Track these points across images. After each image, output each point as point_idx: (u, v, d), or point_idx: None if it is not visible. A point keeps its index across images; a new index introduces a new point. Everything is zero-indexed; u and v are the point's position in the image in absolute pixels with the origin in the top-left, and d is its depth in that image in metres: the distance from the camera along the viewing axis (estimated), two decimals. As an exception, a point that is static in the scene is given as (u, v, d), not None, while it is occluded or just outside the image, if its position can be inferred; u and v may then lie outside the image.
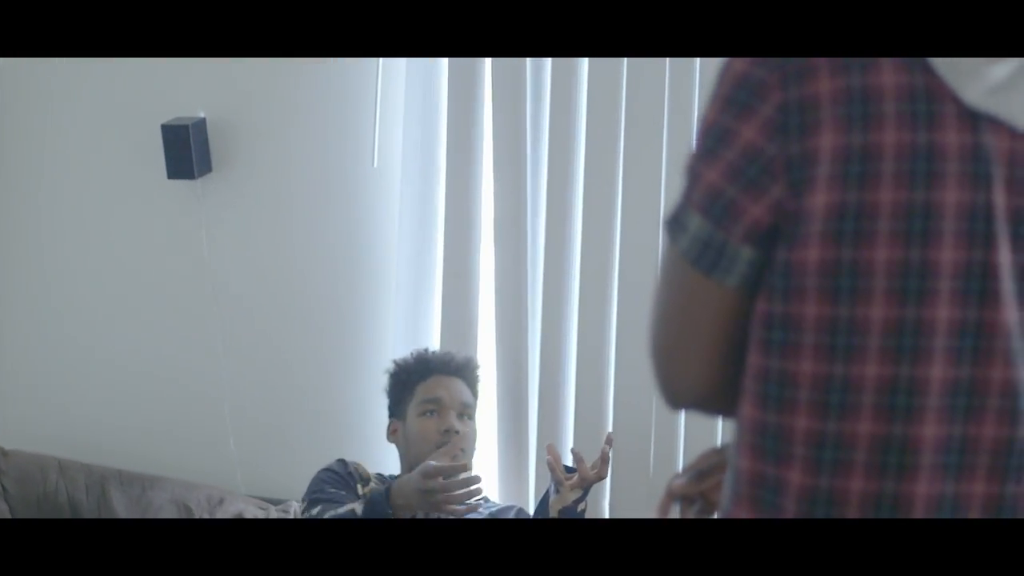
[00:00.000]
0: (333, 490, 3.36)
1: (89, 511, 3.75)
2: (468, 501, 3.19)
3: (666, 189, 3.61)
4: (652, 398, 3.66)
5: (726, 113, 1.57)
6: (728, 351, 1.62)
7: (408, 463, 3.53)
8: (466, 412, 3.52)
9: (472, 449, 3.52)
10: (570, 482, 3.31)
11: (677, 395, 1.68)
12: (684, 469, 2.04)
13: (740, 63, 1.57)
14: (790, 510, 1.56)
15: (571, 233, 3.70)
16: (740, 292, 1.59)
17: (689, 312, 1.63)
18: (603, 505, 3.75)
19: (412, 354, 3.61)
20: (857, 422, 1.53)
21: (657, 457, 3.69)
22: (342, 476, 3.41)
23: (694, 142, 1.62)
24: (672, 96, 3.60)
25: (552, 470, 3.32)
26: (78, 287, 4.12)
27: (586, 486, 3.31)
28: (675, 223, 1.61)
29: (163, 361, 4.07)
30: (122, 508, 3.75)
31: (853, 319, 1.52)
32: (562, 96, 3.67)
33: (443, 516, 3.15)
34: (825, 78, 1.53)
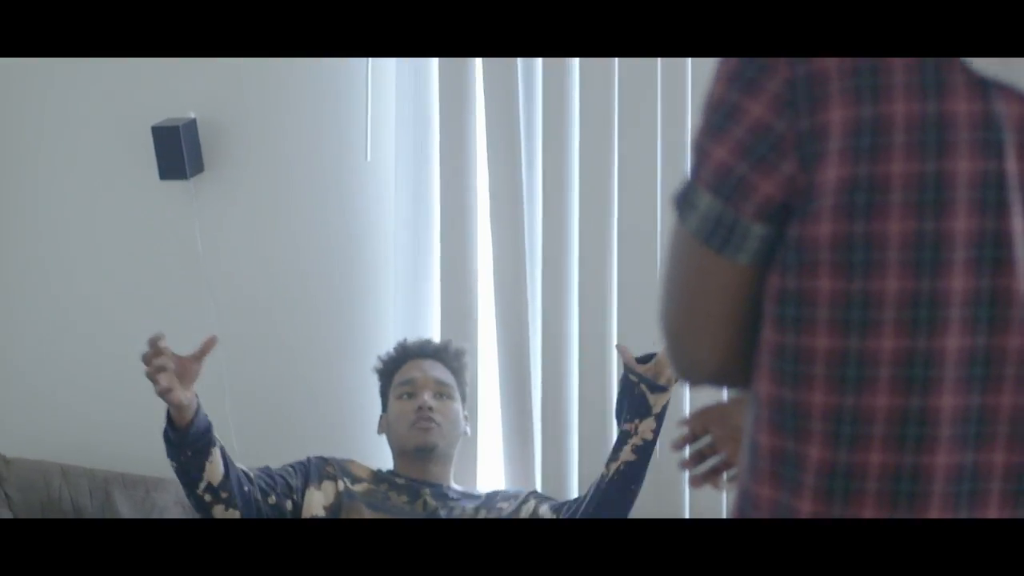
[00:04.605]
0: (271, 477, 3.37)
1: (93, 516, 3.73)
2: (156, 378, 3.12)
3: (662, 167, 3.60)
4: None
5: (733, 89, 1.56)
6: (741, 327, 1.62)
7: (393, 450, 3.53)
8: (443, 391, 3.50)
9: (454, 430, 3.50)
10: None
11: (692, 372, 1.69)
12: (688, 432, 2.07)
13: None
14: (810, 485, 1.55)
15: (568, 216, 3.69)
16: (751, 269, 1.58)
17: (700, 290, 1.62)
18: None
19: (393, 346, 3.63)
20: (874, 395, 1.52)
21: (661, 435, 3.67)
22: (296, 470, 3.43)
23: (701, 117, 1.61)
24: (665, 75, 3.60)
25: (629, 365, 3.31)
26: (75, 292, 4.10)
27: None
28: (684, 201, 1.60)
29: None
30: (127, 511, 3.74)
31: (867, 292, 1.51)
32: (555, 80, 3.66)
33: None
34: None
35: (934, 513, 1.53)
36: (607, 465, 3.33)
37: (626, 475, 3.29)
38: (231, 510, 3.24)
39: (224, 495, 3.23)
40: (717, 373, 1.67)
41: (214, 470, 3.22)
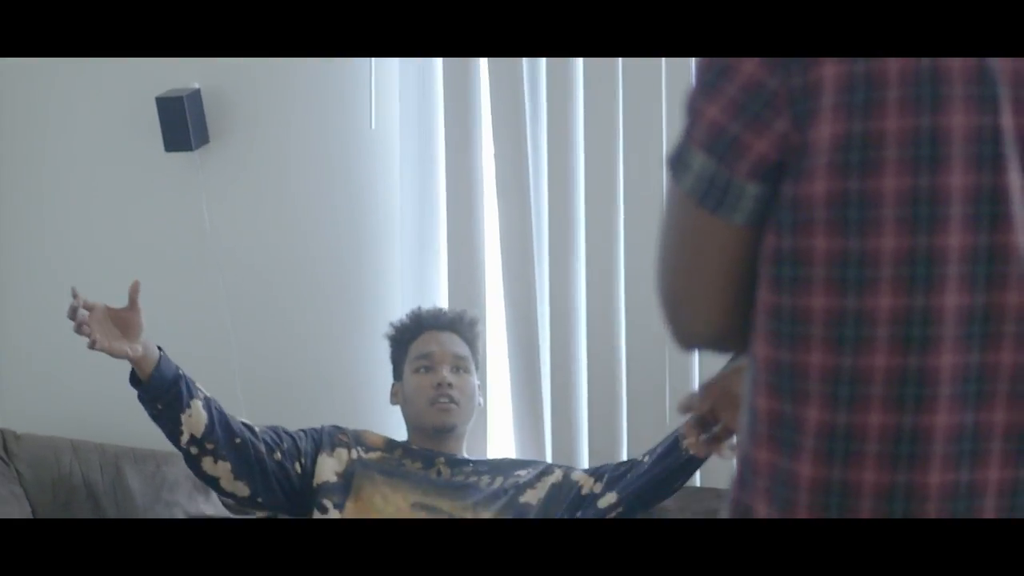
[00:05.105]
0: (278, 435, 3.35)
1: (105, 491, 3.72)
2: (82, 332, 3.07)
3: (667, 130, 3.59)
4: (664, 346, 3.64)
5: None
6: (737, 289, 1.59)
7: (407, 422, 3.52)
8: (460, 365, 3.47)
9: (470, 402, 3.48)
10: None
11: (687, 336, 1.66)
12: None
13: None
14: (809, 448, 1.53)
15: (574, 183, 3.68)
16: (747, 229, 1.56)
17: (696, 251, 1.60)
18: (621, 453, 3.73)
19: (406, 314, 3.60)
20: (872, 355, 1.50)
21: (672, 404, 3.66)
22: (308, 435, 3.42)
23: (694, 76, 1.59)
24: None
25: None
26: (82, 266, 4.09)
27: None
28: (678, 161, 1.58)
29: (171, 336, 4.02)
30: (137, 486, 3.73)
31: (863, 250, 1.49)
32: (560, 63, 3.66)
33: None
34: None
35: (935, 474, 1.51)
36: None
37: None
38: (220, 462, 3.24)
39: (209, 446, 3.23)
40: (715, 337, 1.64)
41: (195, 422, 3.21)
